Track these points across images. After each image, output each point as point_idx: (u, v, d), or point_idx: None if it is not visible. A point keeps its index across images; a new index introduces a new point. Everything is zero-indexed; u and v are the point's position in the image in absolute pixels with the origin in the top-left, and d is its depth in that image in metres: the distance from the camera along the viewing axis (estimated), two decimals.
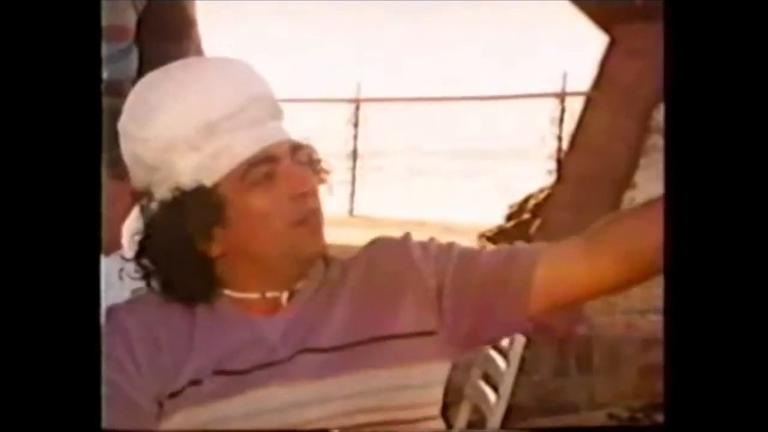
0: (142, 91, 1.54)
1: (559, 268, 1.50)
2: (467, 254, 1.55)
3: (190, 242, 1.48)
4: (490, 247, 1.58)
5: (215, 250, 1.50)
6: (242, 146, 1.48)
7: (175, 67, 1.57)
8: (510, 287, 1.51)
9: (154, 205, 1.51)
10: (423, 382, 1.52)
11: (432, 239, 1.58)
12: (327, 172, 1.57)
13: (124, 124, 1.52)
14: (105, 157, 2.43)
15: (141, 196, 1.53)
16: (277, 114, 1.54)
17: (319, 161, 1.55)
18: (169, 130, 1.47)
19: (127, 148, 1.53)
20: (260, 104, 1.51)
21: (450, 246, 1.57)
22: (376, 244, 1.61)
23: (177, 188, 1.48)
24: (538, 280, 1.50)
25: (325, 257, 1.57)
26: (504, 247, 1.57)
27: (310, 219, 1.50)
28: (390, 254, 1.57)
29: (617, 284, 1.50)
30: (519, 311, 1.51)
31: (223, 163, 1.47)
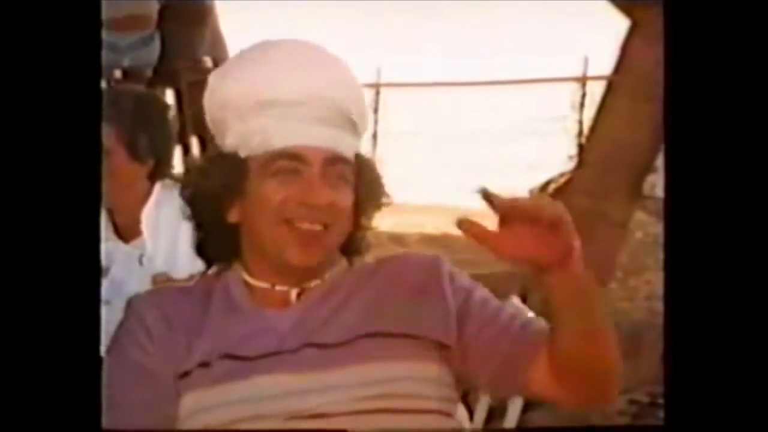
0: (239, 53, 1.62)
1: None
2: (488, 303, 1.57)
3: (216, 198, 1.55)
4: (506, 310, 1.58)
5: (233, 215, 1.56)
6: (278, 136, 1.51)
7: (276, 42, 1.61)
8: (517, 357, 1.52)
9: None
10: (431, 377, 1.52)
11: (459, 272, 1.60)
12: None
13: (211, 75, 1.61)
14: (126, 139, 2.45)
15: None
16: (341, 123, 1.54)
17: (350, 166, 1.57)
18: (229, 92, 1.55)
19: (204, 98, 1.61)
20: (322, 106, 1.52)
21: (472, 289, 1.57)
22: (408, 256, 1.67)
23: (218, 146, 1.58)
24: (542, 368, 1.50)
25: (350, 260, 1.61)
26: (518, 317, 1.57)
27: (305, 232, 1.51)
28: (420, 269, 1.59)
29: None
30: (520, 379, 1.52)
31: (255, 143, 1.53)
